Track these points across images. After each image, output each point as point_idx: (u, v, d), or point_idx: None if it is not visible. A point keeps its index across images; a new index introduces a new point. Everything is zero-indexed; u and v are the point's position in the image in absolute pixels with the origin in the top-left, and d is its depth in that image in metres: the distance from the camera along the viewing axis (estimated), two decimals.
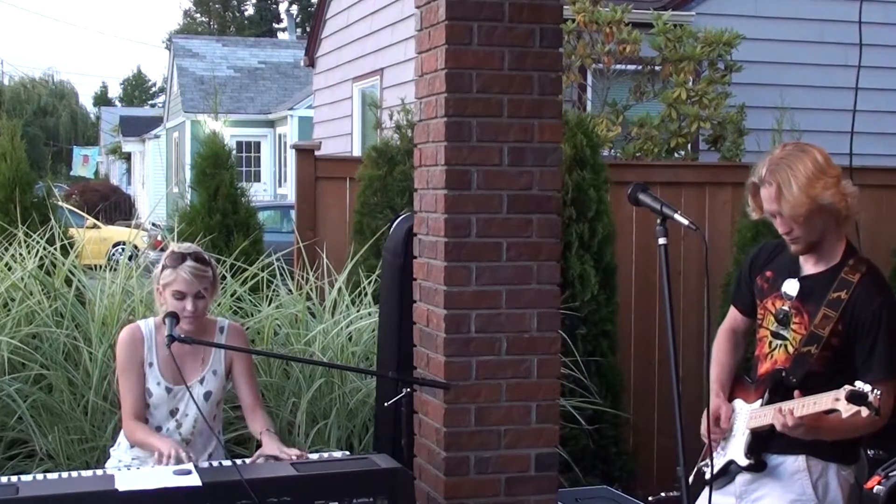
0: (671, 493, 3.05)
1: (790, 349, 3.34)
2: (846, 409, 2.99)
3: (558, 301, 3.83)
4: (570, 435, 5.35)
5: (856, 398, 2.95)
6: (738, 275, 3.74)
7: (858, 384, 2.99)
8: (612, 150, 8.47)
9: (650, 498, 3.18)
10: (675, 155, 8.47)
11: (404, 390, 3.57)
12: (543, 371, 3.77)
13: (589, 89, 9.40)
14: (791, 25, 9.93)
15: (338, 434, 4.81)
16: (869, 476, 4.57)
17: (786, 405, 3.19)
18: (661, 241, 3.03)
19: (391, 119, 6.31)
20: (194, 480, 3.12)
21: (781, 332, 3.36)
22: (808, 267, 3.37)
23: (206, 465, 3.52)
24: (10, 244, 5.23)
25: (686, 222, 3.04)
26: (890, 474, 4.47)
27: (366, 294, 5.26)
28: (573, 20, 8.42)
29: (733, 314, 3.68)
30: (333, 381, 4.91)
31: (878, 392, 2.96)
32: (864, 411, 2.95)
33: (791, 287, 3.36)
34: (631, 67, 8.96)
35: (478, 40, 3.66)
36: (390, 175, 5.89)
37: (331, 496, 3.15)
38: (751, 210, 3.39)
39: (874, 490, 4.45)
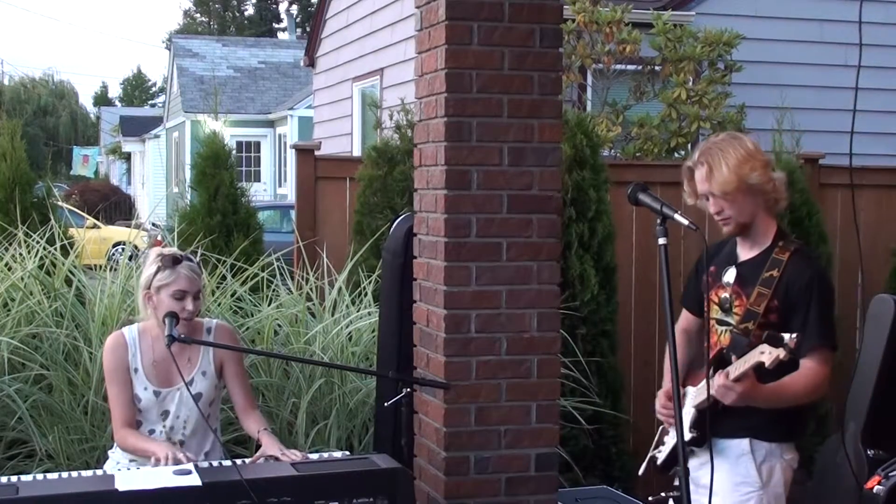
0: (671, 493, 3.06)
1: (731, 333, 3.47)
2: (769, 358, 3.12)
3: (558, 301, 3.83)
4: (570, 435, 5.35)
5: (773, 340, 3.10)
6: (687, 278, 3.89)
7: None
8: (612, 150, 8.47)
9: (650, 498, 3.21)
10: (676, 155, 8.47)
11: (404, 390, 3.57)
12: (543, 371, 3.77)
13: (589, 89, 9.41)
14: (791, 25, 9.93)
15: (338, 434, 4.81)
16: (869, 476, 4.57)
17: (721, 371, 3.31)
18: (661, 241, 3.06)
19: (391, 119, 6.31)
20: (194, 480, 3.12)
21: (725, 318, 3.50)
22: (744, 253, 3.55)
23: (205, 464, 3.52)
24: (10, 244, 5.23)
25: (686, 222, 3.07)
26: (890, 474, 4.47)
27: (366, 294, 5.26)
28: (573, 20, 8.43)
29: (684, 316, 3.84)
30: (333, 381, 4.91)
31: (795, 336, 3.11)
32: (783, 353, 3.08)
33: (730, 275, 3.53)
34: (631, 67, 8.97)
35: (478, 40, 3.66)
36: (390, 175, 5.89)
37: (331, 496, 3.15)
38: (687, 195, 3.59)
39: (874, 490, 4.45)
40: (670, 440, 3.63)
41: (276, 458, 3.54)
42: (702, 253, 3.78)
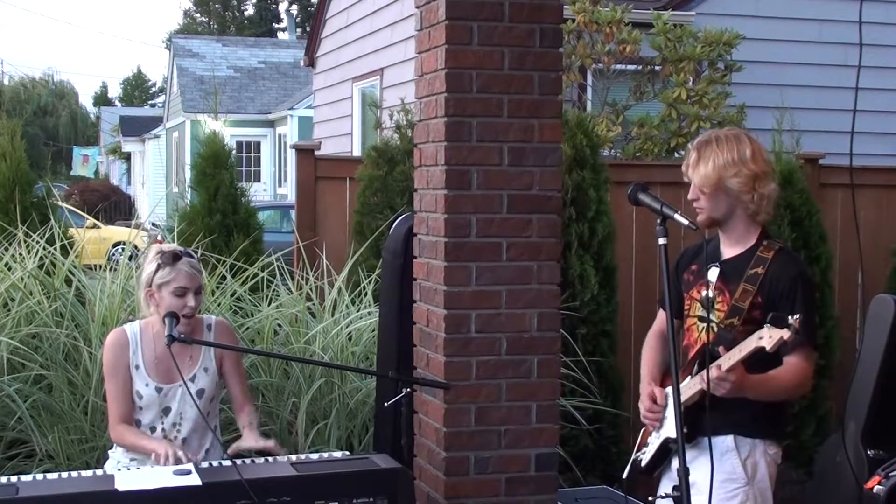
0: (671, 493, 3.06)
1: (716, 329, 3.47)
2: (769, 340, 3.14)
3: (558, 301, 3.83)
4: (570, 435, 5.35)
5: (777, 320, 3.14)
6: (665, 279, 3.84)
7: (768, 324, 3.18)
8: (612, 150, 8.47)
9: (650, 498, 3.20)
10: (676, 155, 8.47)
11: (404, 390, 3.57)
12: (543, 371, 3.77)
13: (589, 89, 9.41)
14: (791, 25, 9.93)
15: (338, 434, 4.81)
16: (869, 476, 4.57)
17: (712, 364, 3.30)
18: (662, 241, 3.06)
19: (391, 119, 6.31)
20: (194, 480, 3.12)
21: (707, 316, 3.51)
22: (727, 252, 3.57)
23: (205, 464, 3.52)
24: (10, 244, 5.23)
25: (686, 222, 3.09)
26: (890, 474, 4.47)
27: (366, 294, 5.26)
28: (573, 20, 8.42)
29: (662, 318, 3.83)
30: (333, 381, 4.91)
31: (798, 316, 3.14)
32: (786, 334, 3.11)
33: (712, 273, 3.54)
34: (631, 67, 8.97)
35: (478, 40, 3.66)
36: (390, 175, 5.89)
37: (331, 496, 3.15)
38: (684, 174, 3.59)
39: (874, 490, 4.45)
40: (654, 441, 3.62)
41: (250, 450, 3.58)
42: (681, 252, 3.80)
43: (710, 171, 3.44)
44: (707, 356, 3.32)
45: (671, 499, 3.03)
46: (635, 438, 3.80)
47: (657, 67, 8.80)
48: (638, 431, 3.77)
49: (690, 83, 8.61)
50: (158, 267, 3.74)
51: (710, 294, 3.51)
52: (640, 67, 8.93)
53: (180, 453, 3.54)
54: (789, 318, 3.12)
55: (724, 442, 3.44)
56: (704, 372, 3.29)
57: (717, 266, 3.55)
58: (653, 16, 8.72)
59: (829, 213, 6.63)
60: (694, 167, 3.50)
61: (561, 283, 3.85)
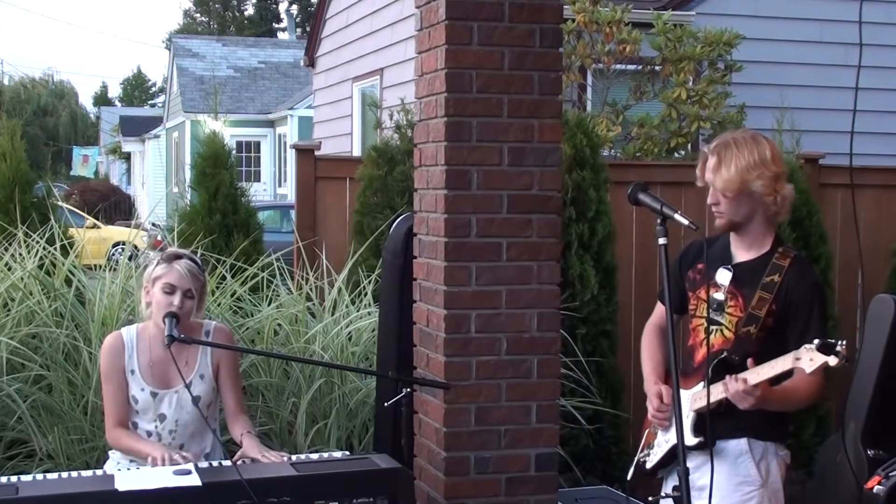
0: (672, 494, 3.06)
1: (726, 333, 3.46)
2: (811, 364, 3.12)
3: (558, 301, 3.83)
4: (570, 435, 5.35)
5: (826, 348, 3.10)
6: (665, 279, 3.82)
7: (809, 346, 3.15)
8: (612, 150, 8.47)
9: (650, 498, 3.20)
10: (676, 155, 8.48)
11: (404, 390, 3.57)
12: (543, 371, 3.77)
13: (589, 89, 9.41)
14: (791, 25, 9.94)
15: (338, 434, 4.81)
16: (869, 476, 4.57)
17: (737, 376, 3.27)
18: (662, 241, 3.06)
19: (391, 119, 6.31)
20: (194, 480, 3.13)
21: (716, 318, 3.49)
22: (740, 255, 3.54)
23: (205, 465, 3.52)
24: (10, 244, 5.23)
25: (686, 222, 3.08)
26: (890, 474, 4.47)
27: (366, 294, 5.26)
28: (573, 20, 8.43)
29: (660, 311, 3.83)
30: (333, 381, 4.91)
31: (845, 342, 3.11)
32: (833, 360, 3.08)
33: (723, 276, 3.51)
34: (631, 67, 8.97)
35: (478, 40, 3.66)
36: (390, 175, 5.89)
37: (331, 496, 3.15)
38: (697, 178, 3.57)
39: (874, 490, 4.45)
40: (660, 443, 3.60)
41: (255, 460, 3.56)
42: (685, 247, 3.77)
43: (734, 174, 3.39)
44: (708, 363, 3.30)
45: (671, 499, 3.02)
46: (635, 438, 3.79)
47: (657, 67, 8.80)
48: (638, 431, 3.76)
49: (690, 83, 8.62)
50: (158, 262, 3.79)
51: (722, 297, 3.48)
52: (640, 67, 8.93)
53: (177, 456, 3.53)
54: (838, 344, 3.09)
55: (738, 445, 3.43)
56: (724, 382, 3.27)
57: (728, 269, 3.50)
58: (653, 16, 8.73)
59: (829, 213, 6.63)
60: (715, 171, 3.44)
61: (561, 283, 3.85)
